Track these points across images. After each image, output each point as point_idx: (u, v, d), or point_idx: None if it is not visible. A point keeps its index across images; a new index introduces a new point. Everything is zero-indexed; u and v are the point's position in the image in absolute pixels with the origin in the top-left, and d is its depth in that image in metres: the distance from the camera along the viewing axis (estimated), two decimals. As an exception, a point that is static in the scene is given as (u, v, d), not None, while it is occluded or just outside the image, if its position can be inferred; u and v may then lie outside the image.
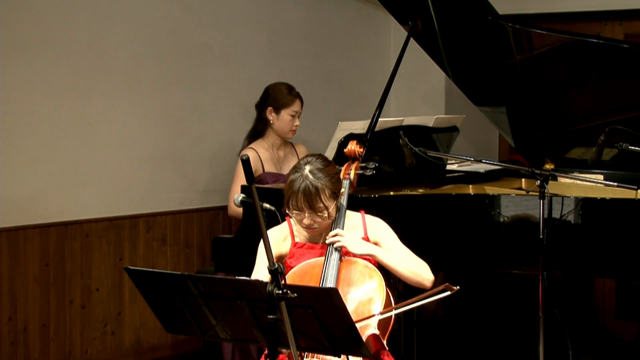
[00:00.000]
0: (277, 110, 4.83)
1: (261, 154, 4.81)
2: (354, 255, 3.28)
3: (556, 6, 6.07)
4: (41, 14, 4.85)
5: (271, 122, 4.85)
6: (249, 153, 4.75)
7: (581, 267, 4.18)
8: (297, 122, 4.87)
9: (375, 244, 3.34)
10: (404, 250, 3.34)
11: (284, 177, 4.82)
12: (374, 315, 3.09)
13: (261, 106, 4.89)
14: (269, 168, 4.81)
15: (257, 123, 4.92)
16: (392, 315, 3.16)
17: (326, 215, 3.22)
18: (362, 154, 3.56)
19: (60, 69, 4.93)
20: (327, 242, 3.25)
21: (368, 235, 3.36)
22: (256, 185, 4.57)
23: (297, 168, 3.24)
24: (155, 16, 5.30)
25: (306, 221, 3.23)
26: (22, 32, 4.79)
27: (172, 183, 5.43)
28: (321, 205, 3.19)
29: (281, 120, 4.84)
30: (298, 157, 4.91)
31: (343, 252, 3.26)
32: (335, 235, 3.25)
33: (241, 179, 4.67)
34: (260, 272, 3.24)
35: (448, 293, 2.97)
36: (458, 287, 2.94)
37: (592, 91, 4.54)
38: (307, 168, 3.21)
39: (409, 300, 3.08)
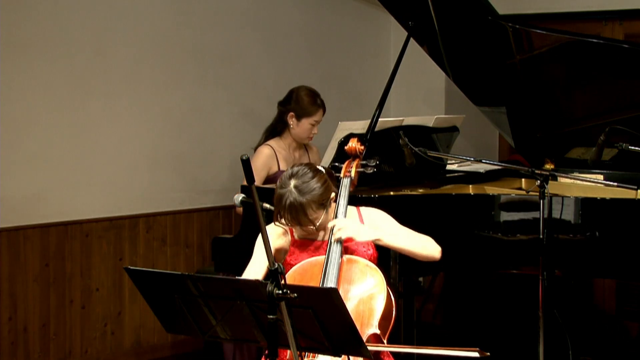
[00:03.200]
0: (298, 118, 4.79)
1: (278, 152, 4.79)
2: (357, 253, 3.29)
3: (556, 6, 6.07)
4: (41, 14, 4.85)
5: (291, 126, 4.82)
6: (266, 149, 4.75)
7: (581, 267, 4.18)
8: (315, 131, 4.84)
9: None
10: (405, 230, 3.37)
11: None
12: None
13: (284, 107, 4.85)
14: (284, 167, 4.80)
15: (277, 122, 4.86)
16: (393, 315, 3.17)
17: (317, 223, 3.23)
18: (363, 151, 3.55)
19: (60, 69, 4.93)
20: (333, 237, 3.22)
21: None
22: (267, 185, 4.60)
23: (283, 183, 3.22)
24: (155, 16, 5.30)
25: (298, 233, 3.31)
26: (22, 33, 4.79)
27: (172, 183, 5.43)
28: (308, 219, 3.21)
29: (301, 127, 4.80)
30: (309, 159, 4.91)
31: (346, 244, 3.25)
32: (339, 229, 3.22)
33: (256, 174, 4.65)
34: (253, 270, 3.25)
35: (477, 355, 2.84)
36: (489, 354, 2.82)
37: (592, 91, 4.54)
38: (292, 183, 3.19)
39: (432, 347, 2.92)
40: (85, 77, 5.03)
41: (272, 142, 4.81)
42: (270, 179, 4.71)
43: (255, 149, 4.84)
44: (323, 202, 3.22)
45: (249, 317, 2.65)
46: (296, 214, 3.18)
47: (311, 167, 3.27)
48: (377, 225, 3.36)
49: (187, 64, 5.45)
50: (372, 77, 6.36)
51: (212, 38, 5.57)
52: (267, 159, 4.73)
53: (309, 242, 3.34)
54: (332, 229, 3.24)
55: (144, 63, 5.26)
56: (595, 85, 4.50)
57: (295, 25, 6.01)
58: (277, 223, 3.29)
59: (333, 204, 3.31)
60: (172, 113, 5.41)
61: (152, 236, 5.36)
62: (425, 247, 3.33)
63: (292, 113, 4.78)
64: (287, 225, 3.27)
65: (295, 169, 3.24)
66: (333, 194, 3.30)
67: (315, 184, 3.20)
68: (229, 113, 5.61)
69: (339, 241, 3.22)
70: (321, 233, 3.33)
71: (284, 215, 3.21)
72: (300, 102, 4.78)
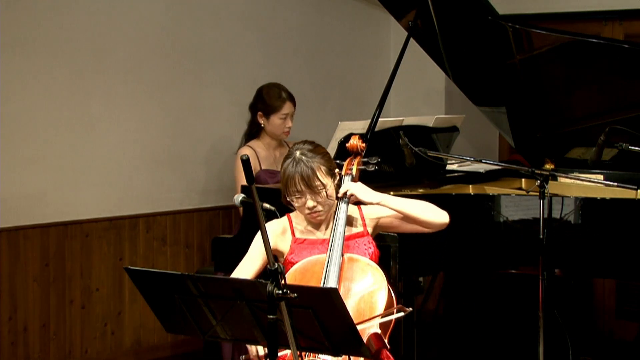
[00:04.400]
0: (266, 115, 4.85)
1: (258, 152, 4.84)
2: (358, 251, 3.29)
3: (556, 6, 6.06)
4: (41, 14, 4.85)
5: (263, 125, 4.87)
6: (247, 151, 4.80)
7: (581, 267, 4.18)
8: (289, 124, 4.88)
9: (379, 219, 3.39)
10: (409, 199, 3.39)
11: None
12: (373, 318, 3.08)
13: (253, 109, 4.92)
14: (266, 166, 4.82)
15: (252, 125, 4.94)
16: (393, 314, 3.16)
17: (328, 191, 3.25)
18: (364, 148, 3.55)
19: (60, 68, 4.93)
20: (340, 192, 3.31)
21: (366, 223, 3.38)
22: (257, 185, 4.58)
23: (288, 155, 3.29)
24: (155, 16, 5.30)
25: (309, 203, 3.25)
26: (22, 32, 4.79)
27: (172, 183, 5.43)
28: (319, 183, 3.22)
29: (272, 124, 4.86)
30: None
31: (351, 203, 3.31)
32: (348, 187, 3.32)
33: (243, 179, 4.67)
34: (245, 268, 3.30)
35: (402, 314, 3.06)
36: (411, 309, 3.07)
37: (592, 91, 4.54)
38: (298, 152, 3.26)
39: (365, 319, 3.09)
40: (85, 77, 5.03)
41: (251, 143, 4.89)
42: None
43: (237, 153, 4.88)
44: (331, 169, 3.29)
45: (249, 317, 2.66)
46: (307, 177, 3.20)
47: (313, 141, 3.35)
48: (376, 208, 3.37)
49: (186, 64, 5.45)
50: (372, 77, 6.36)
51: (212, 38, 5.56)
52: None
53: (310, 240, 3.34)
54: (335, 219, 3.28)
55: (143, 63, 5.26)
56: (595, 85, 4.51)
57: (295, 25, 6.01)
58: (286, 199, 3.29)
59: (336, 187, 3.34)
60: (172, 113, 5.41)
61: (152, 236, 5.36)
62: (433, 210, 3.35)
63: (260, 113, 4.85)
64: (297, 196, 3.25)
65: (298, 144, 3.32)
66: (337, 170, 3.36)
67: (320, 151, 3.30)
68: (228, 113, 5.61)
69: (345, 195, 3.30)
70: (322, 227, 3.34)
71: (294, 182, 3.22)
72: (265, 100, 4.86)
